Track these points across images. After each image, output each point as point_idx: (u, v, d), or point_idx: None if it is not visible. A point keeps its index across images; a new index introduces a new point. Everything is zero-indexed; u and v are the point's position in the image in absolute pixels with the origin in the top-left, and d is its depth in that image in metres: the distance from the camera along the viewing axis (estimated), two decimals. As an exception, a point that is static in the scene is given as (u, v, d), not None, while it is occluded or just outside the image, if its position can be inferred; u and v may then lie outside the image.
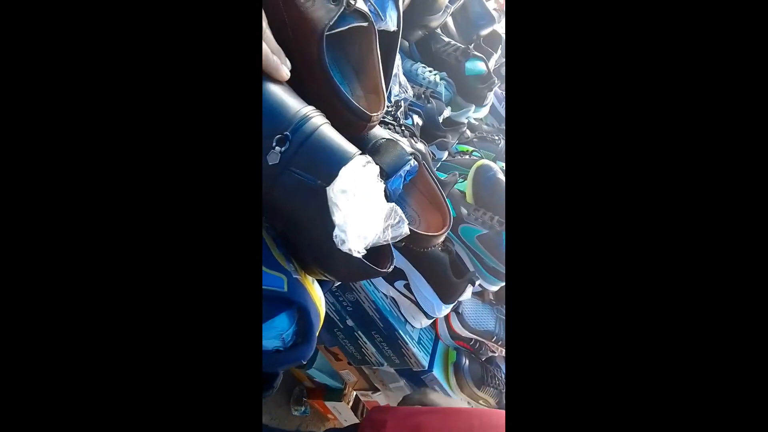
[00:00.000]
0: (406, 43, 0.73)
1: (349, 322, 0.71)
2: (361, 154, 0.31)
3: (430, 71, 0.69)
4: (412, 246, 0.47)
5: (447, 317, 0.74)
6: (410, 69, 0.69)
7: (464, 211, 0.66)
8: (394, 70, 0.59)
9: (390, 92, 0.55)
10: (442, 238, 0.45)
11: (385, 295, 0.67)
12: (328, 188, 0.28)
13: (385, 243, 0.32)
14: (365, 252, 0.30)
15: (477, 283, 0.65)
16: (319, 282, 0.38)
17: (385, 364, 0.75)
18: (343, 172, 0.29)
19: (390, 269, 0.33)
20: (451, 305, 0.65)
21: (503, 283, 0.68)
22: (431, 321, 0.70)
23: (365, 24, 0.32)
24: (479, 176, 0.68)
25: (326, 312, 0.70)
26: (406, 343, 0.69)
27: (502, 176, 0.70)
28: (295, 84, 0.32)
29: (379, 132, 0.43)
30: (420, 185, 0.46)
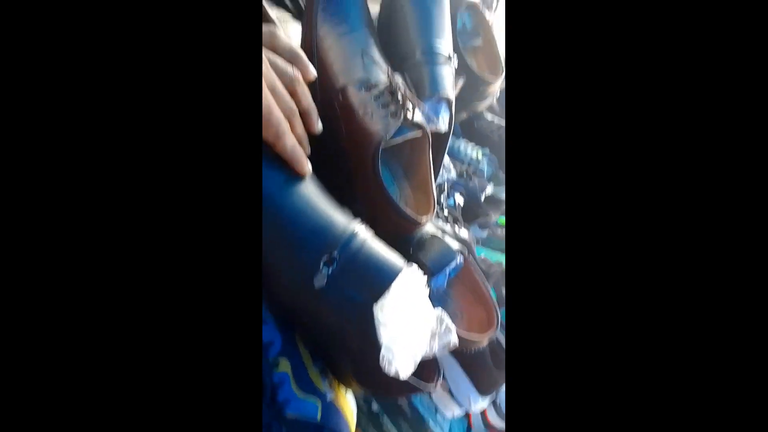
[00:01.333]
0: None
1: (374, 407, 0.66)
2: (408, 264, 0.29)
3: (473, 147, 0.69)
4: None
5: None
6: (452, 145, 0.70)
7: (504, 291, 0.62)
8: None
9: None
10: (486, 341, 0.42)
11: (416, 377, 0.63)
12: (375, 306, 0.27)
13: (432, 356, 0.30)
14: (412, 371, 0.28)
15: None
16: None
17: (412, 455, 0.69)
18: (391, 288, 0.27)
19: (437, 385, 0.30)
20: (489, 397, 0.59)
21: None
22: (464, 411, 0.65)
23: (419, 134, 0.32)
24: (521, 256, 0.65)
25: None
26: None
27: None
28: (347, 189, 0.32)
29: (426, 226, 0.42)
30: (464, 279, 0.44)
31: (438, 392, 0.63)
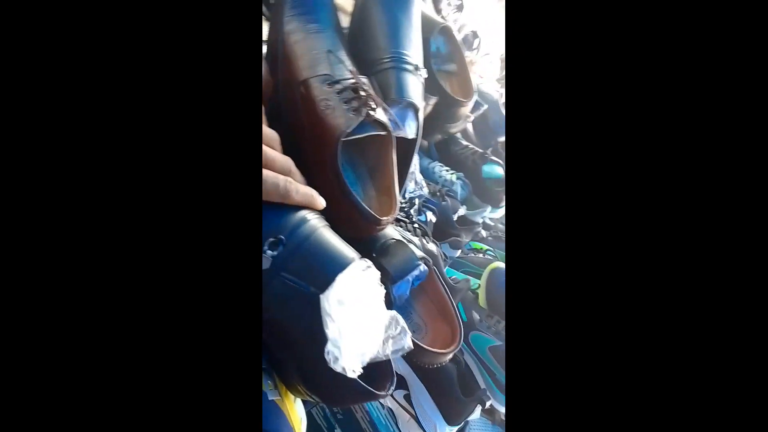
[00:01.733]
0: (425, 143, 0.76)
1: (337, 435, 0.62)
2: (361, 258, 0.29)
3: (447, 170, 0.70)
4: (415, 360, 0.42)
5: (452, 440, 0.64)
6: (427, 167, 0.71)
7: (476, 316, 0.61)
8: (411, 169, 0.60)
9: (405, 189, 0.55)
10: (450, 356, 0.40)
11: (381, 404, 0.59)
12: (321, 296, 0.26)
13: (384, 359, 0.28)
14: (361, 371, 0.26)
15: (488, 403, 0.57)
16: (303, 401, 0.33)
17: (375, 492, 0.63)
18: (340, 279, 0.26)
19: (390, 392, 0.28)
20: (456, 428, 0.56)
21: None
22: (433, 443, 0.61)
23: (383, 133, 0.33)
24: (494, 279, 0.64)
25: (313, 417, 0.61)
26: (401, 468, 0.58)
27: (517, 281, 0.66)
28: (306, 181, 0.31)
29: (390, 232, 0.41)
30: (429, 292, 0.43)
31: (403, 420, 0.59)
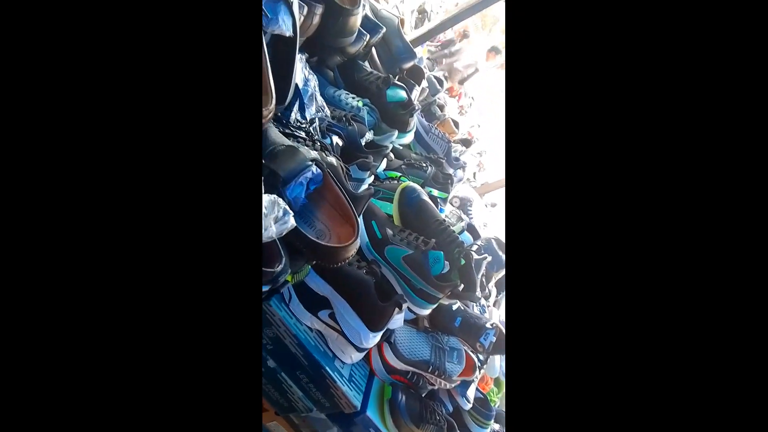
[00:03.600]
0: (331, 73, 0.74)
1: (270, 363, 0.63)
2: None
3: (353, 98, 0.70)
4: (323, 262, 0.44)
5: (380, 349, 0.69)
6: (333, 95, 0.70)
7: (390, 232, 0.64)
8: (310, 91, 0.59)
9: (303, 109, 0.54)
10: (352, 250, 0.42)
11: (309, 328, 0.61)
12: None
13: (269, 239, 0.29)
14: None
15: (405, 306, 0.62)
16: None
17: (314, 409, 0.67)
18: None
19: (279, 268, 0.29)
20: (380, 333, 0.60)
21: (433, 306, 0.66)
22: (363, 354, 0.65)
23: (247, 18, 0.31)
24: (404, 198, 0.68)
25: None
26: (335, 382, 0.62)
27: (426, 198, 0.70)
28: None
29: (279, 139, 0.41)
30: (328, 197, 0.43)
31: (331, 338, 0.62)
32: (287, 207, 0.29)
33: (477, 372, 0.74)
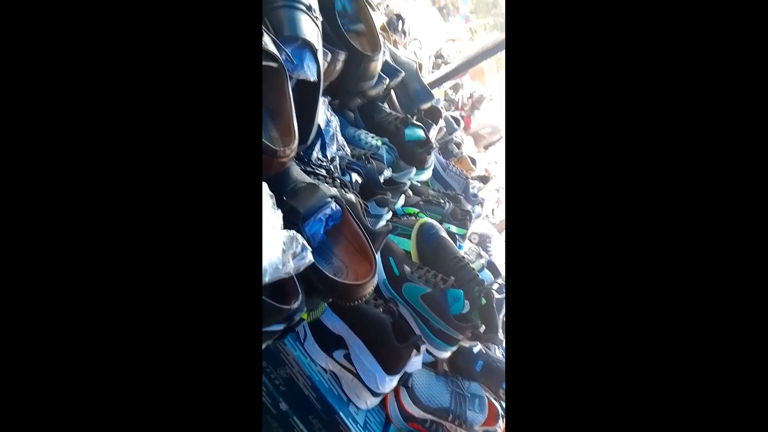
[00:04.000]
0: (351, 114, 0.77)
1: (283, 406, 0.61)
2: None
3: (372, 137, 0.72)
4: (340, 300, 0.43)
5: (397, 394, 0.65)
6: (353, 134, 0.72)
7: (407, 269, 0.63)
8: (332, 131, 0.61)
9: (324, 148, 0.56)
10: (370, 288, 0.41)
11: (323, 369, 0.59)
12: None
13: (287, 275, 0.29)
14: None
15: (423, 348, 0.59)
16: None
17: (326, 458, 0.63)
18: None
19: (295, 305, 0.29)
20: (397, 377, 0.58)
21: (453, 348, 0.63)
22: (379, 400, 0.62)
23: (274, 65, 0.33)
24: (422, 234, 0.67)
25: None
26: (349, 428, 0.59)
27: (445, 234, 0.69)
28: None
29: (301, 177, 0.42)
30: (347, 233, 0.43)
31: (346, 381, 0.60)
32: (305, 243, 0.29)
33: (500, 421, 0.69)
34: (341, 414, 0.58)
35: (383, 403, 0.66)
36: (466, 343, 0.77)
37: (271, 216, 0.29)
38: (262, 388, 0.59)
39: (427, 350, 0.63)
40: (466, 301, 0.62)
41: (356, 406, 0.61)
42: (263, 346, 0.55)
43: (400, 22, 1.27)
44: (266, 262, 0.27)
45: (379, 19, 0.85)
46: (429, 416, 0.65)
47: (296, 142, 0.34)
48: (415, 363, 0.61)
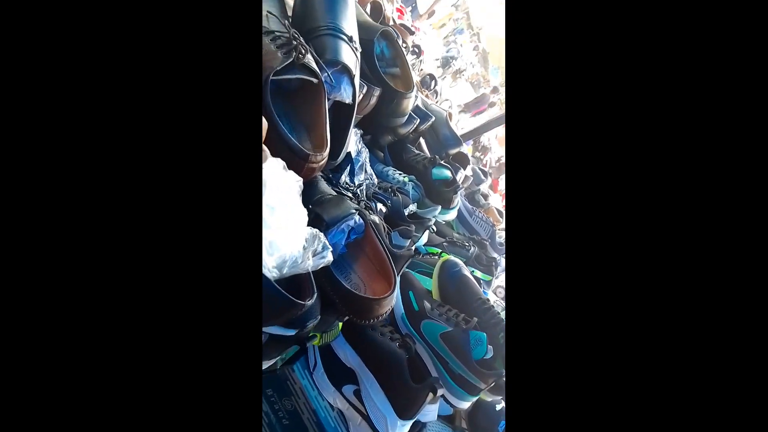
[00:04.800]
0: (381, 154, 0.81)
1: (282, 439, 0.56)
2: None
3: (400, 174, 0.74)
4: (355, 317, 0.41)
5: (408, 448, 0.59)
6: (382, 170, 0.75)
7: (428, 305, 0.60)
8: (361, 161, 0.63)
9: (353, 174, 0.58)
10: (387, 307, 0.40)
11: (331, 406, 0.55)
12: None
13: (304, 271, 0.28)
14: (277, 273, 0.26)
15: (440, 393, 0.54)
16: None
17: None
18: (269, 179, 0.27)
19: (309, 303, 0.28)
20: (409, 423, 0.52)
21: (474, 399, 0.57)
22: (388, 450, 0.56)
23: (314, 80, 0.36)
24: (445, 271, 0.65)
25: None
26: (353, 481, 0.53)
27: (468, 273, 0.67)
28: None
29: (329, 190, 0.43)
30: (367, 250, 0.43)
31: (354, 423, 0.55)
32: (327, 243, 0.29)
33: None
34: (345, 461, 0.53)
35: (392, 458, 0.59)
36: (488, 397, 0.70)
37: (298, 211, 0.29)
38: (264, 419, 0.55)
39: (445, 399, 0.58)
40: (490, 347, 0.57)
41: (362, 456, 0.55)
42: (275, 369, 0.53)
43: (433, 82, 1.37)
44: (286, 254, 0.27)
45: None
46: (443, 479, 0.58)
47: (327, 150, 0.36)
48: (431, 412, 0.56)
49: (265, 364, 0.41)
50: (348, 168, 0.55)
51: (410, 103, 0.59)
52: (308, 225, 0.33)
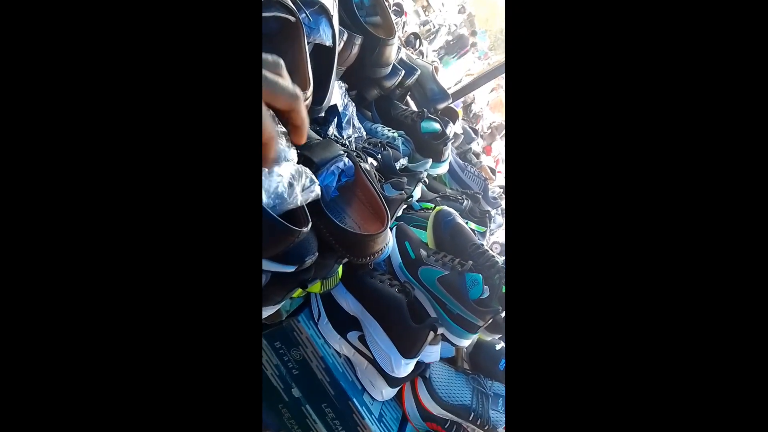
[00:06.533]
0: (369, 113, 0.80)
1: (295, 392, 0.59)
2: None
3: (389, 129, 0.74)
4: (352, 256, 0.42)
5: (414, 387, 0.62)
6: (370, 127, 0.74)
7: (423, 253, 0.62)
8: (349, 115, 0.63)
9: (341, 127, 0.58)
10: (381, 243, 0.41)
11: (337, 353, 0.58)
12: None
13: (294, 206, 0.29)
14: (267, 201, 0.27)
15: (440, 332, 0.57)
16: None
17: (339, 453, 0.60)
18: None
19: (307, 229, 0.29)
20: (413, 361, 0.55)
21: (473, 336, 0.60)
22: (394, 392, 0.59)
23: (291, 18, 0.36)
24: (438, 221, 0.66)
25: (269, 380, 0.58)
26: (363, 419, 0.56)
27: (462, 221, 0.68)
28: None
29: (318, 138, 0.43)
30: (359, 193, 0.44)
31: (361, 368, 0.57)
32: (314, 177, 0.30)
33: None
34: (355, 401, 0.56)
35: (400, 399, 0.63)
36: (487, 337, 0.73)
37: (285, 150, 0.29)
38: (275, 371, 0.58)
39: (446, 338, 0.61)
40: (486, 287, 0.59)
41: (371, 396, 0.58)
42: (281, 321, 0.55)
43: (417, 41, 1.34)
44: (272, 194, 0.28)
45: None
46: (449, 415, 0.61)
47: (311, 90, 0.36)
48: (433, 353, 0.59)
49: (269, 310, 0.43)
50: (335, 120, 0.55)
51: (393, 50, 0.58)
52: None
